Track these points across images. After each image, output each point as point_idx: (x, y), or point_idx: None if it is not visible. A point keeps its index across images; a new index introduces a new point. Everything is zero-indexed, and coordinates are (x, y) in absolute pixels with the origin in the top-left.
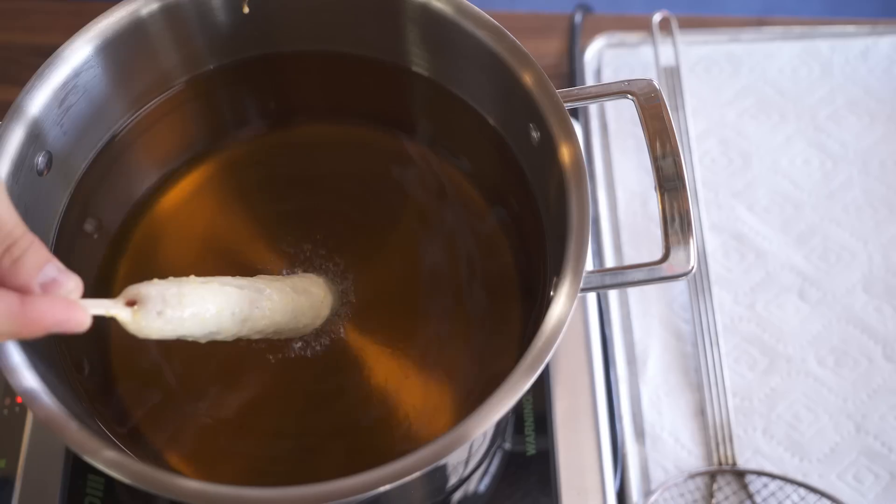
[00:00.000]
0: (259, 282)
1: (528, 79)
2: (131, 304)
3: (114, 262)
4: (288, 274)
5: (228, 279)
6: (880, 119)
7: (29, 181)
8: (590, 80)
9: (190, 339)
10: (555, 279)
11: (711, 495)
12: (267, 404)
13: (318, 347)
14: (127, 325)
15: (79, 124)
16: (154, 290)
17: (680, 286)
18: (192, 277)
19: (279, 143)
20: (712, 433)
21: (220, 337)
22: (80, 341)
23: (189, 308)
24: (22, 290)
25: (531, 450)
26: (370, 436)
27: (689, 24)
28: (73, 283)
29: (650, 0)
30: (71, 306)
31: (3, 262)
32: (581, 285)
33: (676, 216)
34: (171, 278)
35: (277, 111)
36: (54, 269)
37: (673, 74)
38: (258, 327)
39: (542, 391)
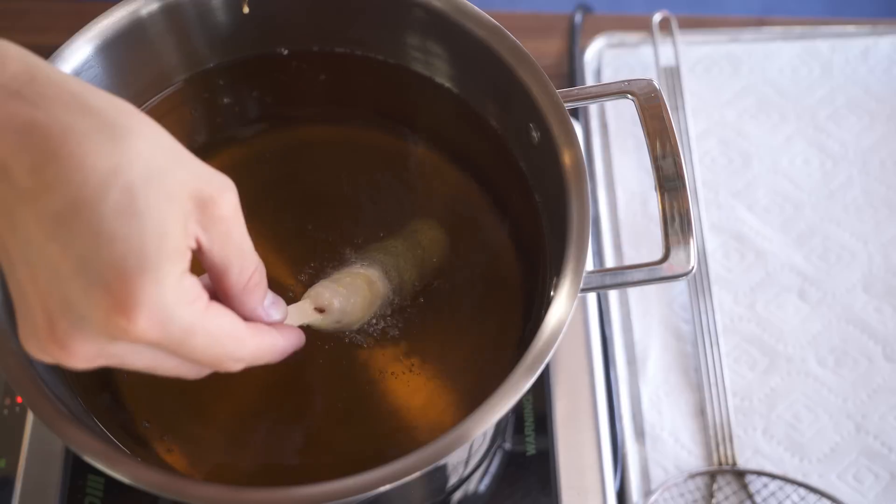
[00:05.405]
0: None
1: (528, 79)
2: (320, 310)
3: None
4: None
5: (361, 275)
6: (880, 119)
7: None
8: (590, 80)
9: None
10: (555, 279)
11: (711, 495)
12: (268, 405)
13: (320, 346)
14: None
15: None
16: (337, 302)
17: (680, 286)
18: (348, 277)
19: (278, 142)
20: (712, 433)
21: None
22: None
23: (354, 314)
24: (246, 315)
25: (531, 450)
26: (368, 436)
27: (689, 24)
28: (283, 307)
29: (650, 0)
30: (298, 332)
31: (240, 288)
32: (581, 285)
33: (676, 216)
34: (339, 280)
35: (277, 111)
36: (271, 295)
37: (673, 74)
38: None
39: (542, 391)
